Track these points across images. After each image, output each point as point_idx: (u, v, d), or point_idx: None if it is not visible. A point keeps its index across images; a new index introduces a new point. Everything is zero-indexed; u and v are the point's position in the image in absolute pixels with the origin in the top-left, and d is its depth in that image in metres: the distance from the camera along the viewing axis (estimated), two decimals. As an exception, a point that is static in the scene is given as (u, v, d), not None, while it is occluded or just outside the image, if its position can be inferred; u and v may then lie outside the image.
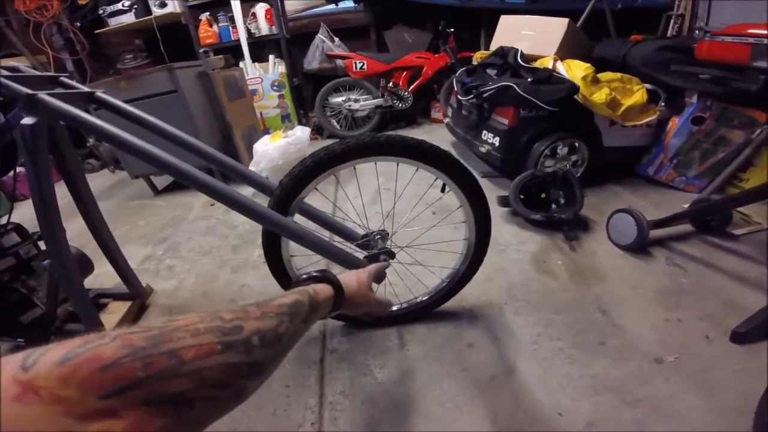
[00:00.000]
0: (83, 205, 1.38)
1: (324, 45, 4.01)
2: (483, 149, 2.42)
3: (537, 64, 2.30)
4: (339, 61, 3.80)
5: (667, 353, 1.21)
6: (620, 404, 1.07)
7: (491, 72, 2.48)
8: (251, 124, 3.44)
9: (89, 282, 1.54)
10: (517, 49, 2.36)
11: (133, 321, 1.58)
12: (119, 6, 3.72)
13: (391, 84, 3.80)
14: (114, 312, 1.56)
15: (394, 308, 1.40)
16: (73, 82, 1.24)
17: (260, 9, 3.84)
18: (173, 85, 2.55)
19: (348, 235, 1.22)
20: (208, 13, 3.92)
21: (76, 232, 1.50)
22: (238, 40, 3.86)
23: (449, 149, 1.09)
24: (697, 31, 2.87)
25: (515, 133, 2.23)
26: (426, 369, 1.23)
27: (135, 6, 3.71)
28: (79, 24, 3.85)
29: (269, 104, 4.01)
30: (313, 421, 1.11)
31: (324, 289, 0.64)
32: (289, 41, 3.98)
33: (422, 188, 1.29)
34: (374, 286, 0.98)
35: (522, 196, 2.00)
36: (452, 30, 3.73)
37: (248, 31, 3.89)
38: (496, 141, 2.32)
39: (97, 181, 3.59)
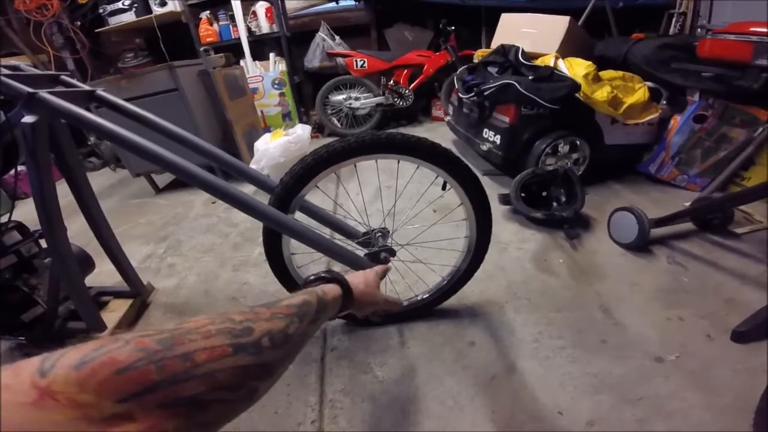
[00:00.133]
0: (84, 204, 1.38)
1: (325, 43, 4.00)
2: (484, 147, 2.42)
3: (538, 62, 2.29)
4: (340, 60, 3.79)
5: (668, 352, 1.21)
6: (621, 403, 1.07)
7: (492, 70, 2.47)
8: (252, 122, 3.44)
9: (90, 280, 1.54)
10: (518, 47, 2.35)
11: (134, 319, 1.58)
12: (119, 5, 3.73)
13: (391, 82, 3.79)
14: (115, 310, 1.56)
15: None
16: (74, 81, 1.24)
17: (261, 7, 3.83)
18: (174, 83, 2.55)
19: (349, 232, 1.22)
20: (208, 12, 3.91)
21: (77, 230, 1.50)
22: (239, 38, 3.86)
23: (450, 147, 1.09)
24: (699, 29, 2.85)
25: (516, 131, 2.22)
26: (426, 367, 1.24)
27: (135, 5, 3.71)
28: (79, 23, 3.85)
29: (270, 102, 4.01)
30: (313, 419, 1.12)
31: (332, 289, 0.64)
32: (290, 39, 3.98)
33: (423, 186, 1.29)
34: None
35: (523, 194, 2.00)
36: (453, 28, 3.72)
37: (249, 29, 3.89)
38: (497, 139, 2.32)
39: (98, 180, 3.60)
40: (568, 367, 1.19)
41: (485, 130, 2.42)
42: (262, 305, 0.47)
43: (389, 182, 2.35)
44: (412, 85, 3.83)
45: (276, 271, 1.24)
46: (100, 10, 3.80)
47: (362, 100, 3.79)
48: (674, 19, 3.14)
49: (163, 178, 3.22)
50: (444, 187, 1.19)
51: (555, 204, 1.97)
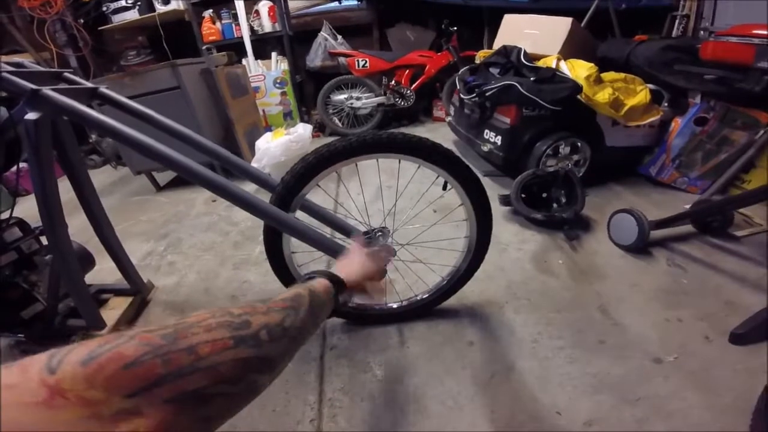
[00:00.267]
0: (85, 201, 1.38)
1: (327, 43, 4.00)
2: (485, 148, 2.42)
3: (540, 63, 2.29)
4: (341, 59, 3.79)
5: (667, 352, 1.21)
6: (620, 403, 1.07)
7: (494, 71, 2.47)
8: (253, 121, 3.45)
9: (90, 277, 1.54)
10: (520, 48, 2.36)
11: (133, 317, 1.59)
12: (123, 3, 3.74)
13: (393, 82, 3.79)
14: (115, 308, 1.56)
15: (394, 306, 1.40)
16: (77, 78, 1.25)
17: (263, 6, 3.84)
18: (176, 81, 2.56)
19: (349, 231, 1.22)
20: (211, 10, 3.92)
21: (77, 227, 1.50)
22: (241, 37, 3.86)
23: (451, 148, 1.09)
24: (701, 32, 2.86)
25: (517, 132, 2.23)
26: (426, 367, 1.24)
27: (138, 3, 3.73)
28: (82, 21, 3.87)
29: (272, 101, 4.02)
30: (312, 418, 1.12)
31: (320, 281, 0.66)
32: (292, 38, 3.98)
33: (424, 186, 1.29)
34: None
35: (523, 195, 2.00)
36: (455, 28, 3.72)
37: (251, 28, 3.89)
38: (498, 140, 2.32)
39: (99, 177, 3.60)
40: (568, 367, 1.19)
41: (486, 130, 2.42)
42: (258, 301, 0.48)
43: (390, 182, 2.35)
44: (414, 86, 3.83)
45: (276, 270, 1.24)
46: (104, 8, 3.82)
47: (364, 100, 3.79)
48: (677, 21, 3.14)
49: (164, 176, 3.22)
50: (445, 188, 1.19)
51: (555, 205, 1.97)
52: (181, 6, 3.75)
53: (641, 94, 2.12)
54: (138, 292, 1.63)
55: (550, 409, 1.07)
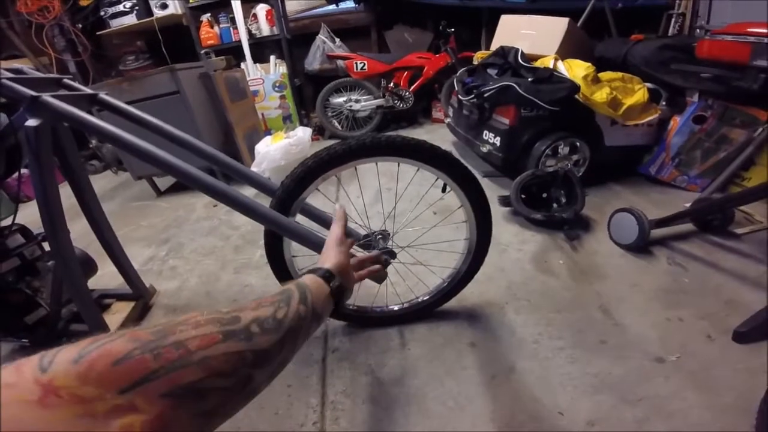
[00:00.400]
0: (87, 206, 1.39)
1: (325, 45, 4.01)
2: (484, 149, 2.42)
3: (538, 63, 2.30)
4: (340, 62, 3.80)
5: (668, 352, 1.21)
6: (621, 403, 1.07)
7: (492, 72, 2.48)
8: (253, 125, 3.45)
9: (93, 282, 1.55)
10: (517, 49, 2.36)
11: (136, 321, 1.59)
12: (120, 7, 3.75)
13: (392, 84, 3.80)
14: (117, 312, 1.57)
15: (395, 308, 1.41)
16: (77, 84, 1.25)
17: (261, 10, 3.85)
18: (175, 86, 2.56)
19: (349, 234, 1.22)
20: (209, 15, 3.93)
21: (79, 232, 1.50)
22: (240, 41, 3.88)
23: (450, 149, 1.09)
24: (698, 30, 2.86)
25: (516, 132, 2.23)
26: (427, 368, 1.24)
27: (136, 7, 3.74)
28: (80, 25, 3.88)
29: (271, 105, 4.02)
30: (315, 421, 1.12)
31: (306, 276, 0.66)
32: (290, 42, 4.00)
33: (423, 188, 1.29)
34: (374, 285, 0.99)
35: (523, 196, 2.01)
36: (453, 30, 3.73)
37: (249, 32, 3.91)
38: (497, 141, 2.32)
39: (100, 183, 3.61)
40: (568, 367, 1.19)
41: (485, 131, 2.43)
42: (249, 301, 0.49)
43: (390, 185, 2.36)
44: (412, 87, 3.84)
45: (277, 274, 1.25)
46: (102, 13, 3.83)
47: (362, 103, 3.79)
48: (673, 20, 3.15)
49: (165, 181, 3.23)
50: (444, 190, 1.19)
51: (555, 205, 1.97)
52: (179, 10, 3.77)
53: (639, 93, 2.12)
54: (140, 297, 1.63)
55: (551, 410, 1.07)
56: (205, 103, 2.84)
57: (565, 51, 2.41)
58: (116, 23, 3.86)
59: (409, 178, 1.25)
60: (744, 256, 1.61)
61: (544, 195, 2.03)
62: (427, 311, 1.42)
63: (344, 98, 3.79)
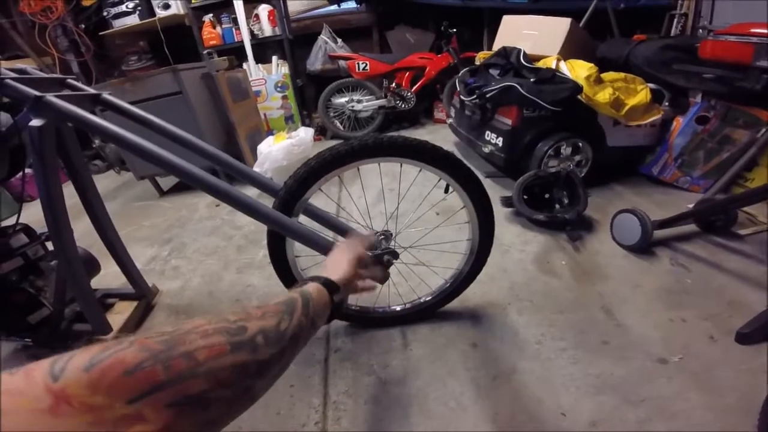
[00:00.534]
0: (90, 206, 1.39)
1: (327, 46, 4.01)
2: (486, 149, 2.42)
3: (540, 64, 2.30)
4: (342, 62, 3.80)
5: (671, 353, 1.21)
6: (623, 404, 1.07)
7: (494, 72, 2.48)
8: (255, 125, 3.46)
9: (96, 282, 1.55)
10: (519, 49, 2.36)
11: (139, 321, 1.60)
12: (123, 8, 3.76)
13: (393, 84, 3.80)
14: (120, 312, 1.57)
15: (398, 308, 1.41)
16: (80, 84, 1.25)
17: (263, 10, 3.85)
18: (178, 86, 2.57)
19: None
20: (211, 15, 3.94)
21: (82, 232, 1.51)
22: (242, 41, 3.88)
23: (452, 150, 1.10)
24: (700, 30, 2.85)
25: (518, 133, 2.23)
26: (429, 368, 1.24)
27: (139, 8, 3.74)
28: (83, 26, 3.89)
29: (273, 105, 4.03)
30: (317, 421, 1.12)
31: (310, 285, 0.66)
32: (292, 42, 4.00)
33: (425, 189, 1.29)
34: (377, 286, 0.99)
35: (525, 197, 2.01)
36: (455, 30, 3.72)
37: (251, 32, 3.91)
38: (500, 141, 2.32)
39: (103, 183, 3.61)
40: (571, 368, 1.19)
41: (487, 132, 2.43)
42: (253, 305, 0.49)
43: (392, 185, 2.36)
44: (414, 88, 3.83)
45: (280, 274, 1.25)
46: (105, 13, 3.84)
47: (364, 103, 3.79)
48: (676, 20, 3.14)
49: (167, 181, 3.24)
50: (447, 190, 1.19)
51: (557, 206, 1.97)
52: (182, 11, 3.78)
53: (642, 94, 2.12)
54: (143, 297, 1.64)
55: (554, 410, 1.07)
56: (208, 103, 2.84)
57: (568, 51, 2.40)
58: (119, 23, 3.87)
59: (411, 178, 1.25)
60: (747, 257, 1.61)
61: (547, 196, 2.03)
62: (429, 312, 1.42)
63: (346, 98, 3.79)
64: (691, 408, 1.05)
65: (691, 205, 1.90)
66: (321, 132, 4.14)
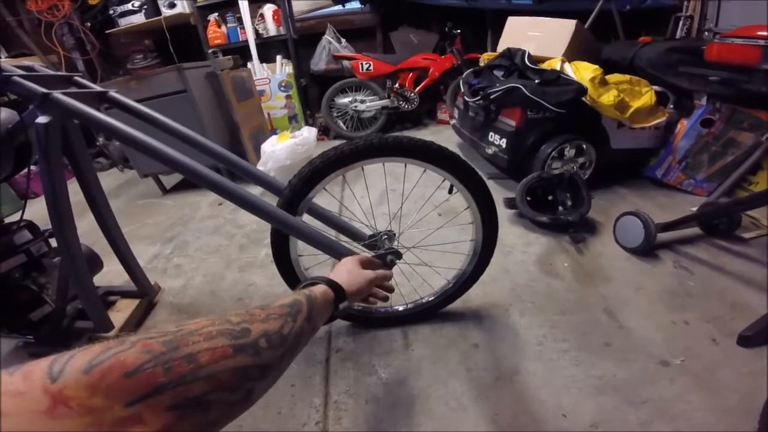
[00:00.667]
0: (94, 203, 1.39)
1: (331, 46, 4.02)
2: (489, 151, 2.42)
3: (544, 65, 2.30)
4: (345, 62, 3.80)
5: (673, 355, 1.20)
6: (625, 405, 1.07)
7: (498, 73, 2.48)
8: (259, 124, 3.46)
9: (98, 279, 1.55)
10: (524, 51, 2.36)
11: (141, 319, 1.60)
12: (129, 6, 3.77)
13: (397, 85, 3.80)
14: (122, 310, 1.57)
15: (400, 308, 1.41)
16: (87, 82, 1.26)
17: (268, 10, 3.86)
18: (182, 85, 2.57)
19: (355, 235, 1.23)
20: (216, 14, 3.95)
21: (85, 229, 1.51)
22: (246, 40, 3.89)
23: (455, 151, 1.09)
24: (706, 33, 2.85)
25: (522, 134, 2.23)
26: (430, 369, 1.24)
27: (145, 6, 3.76)
28: (89, 24, 3.90)
29: (276, 105, 4.03)
30: (317, 420, 1.12)
31: (318, 288, 0.66)
32: (297, 42, 4.00)
33: (429, 189, 1.29)
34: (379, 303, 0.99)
35: (528, 198, 2.00)
36: (458, 31, 3.73)
37: (256, 31, 3.92)
38: (503, 142, 2.32)
39: (106, 180, 3.62)
40: (572, 369, 1.19)
41: (491, 133, 2.43)
42: (257, 307, 0.49)
43: (395, 185, 2.36)
44: (418, 88, 3.84)
45: (283, 273, 1.25)
46: (111, 12, 3.85)
47: (368, 103, 3.79)
48: (681, 23, 3.13)
49: (171, 179, 3.25)
50: (450, 191, 1.19)
51: (561, 208, 1.97)
52: (187, 9, 3.79)
53: (646, 96, 2.11)
54: (145, 295, 1.64)
55: (555, 411, 1.07)
56: (212, 102, 2.85)
57: (572, 53, 2.40)
58: (125, 22, 3.88)
59: (415, 179, 1.25)
60: (750, 261, 1.60)
61: (550, 197, 2.03)
62: (431, 312, 1.42)
63: (349, 99, 3.79)
64: (692, 410, 1.04)
65: (694, 208, 1.89)
66: (324, 132, 4.15)
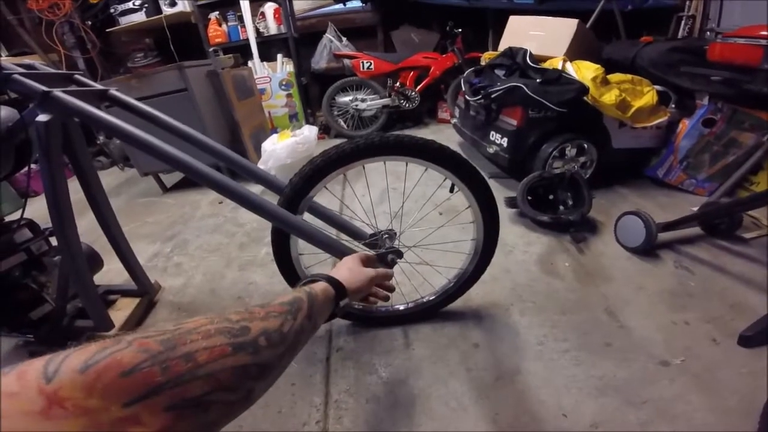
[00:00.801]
0: (95, 202, 1.39)
1: (332, 44, 4.02)
2: (491, 150, 2.42)
3: (546, 65, 2.29)
4: (346, 61, 3.80)
5: (673, 355, 1.20)
6: (625, 405, 1.07)
7: (499, 72, 2.47)
8: (260, 123, 3.46)
9: (98, 278, 1.55)
10: (526, 50, 2.36)
11: (141, 318, 1.60)
12: (130, 5, 3.77)
13: (398, 84, 3.80)
14: (122, 308, 1.57)
15: (400, 308, 1.41)
16: (88, 80, 1.26)
17: (269, 8, 3.86)
18: (183, 83, 2.57)
19: (356, 233, 1.22)
20: (217, 13, 3.95)
21: (85, 228, 1.51)
22: (247, 39, 3.88)
23: (456, 150, 1.09)
24: (708, 33, 2.84)
25: (523, 134, 2.22)
26: (431, 368, 1.24)
27: (145, 5, 3.75)
28: (90, 23, 3.90)
29: (277, 103, 4.03)
30: (318, 420, 1.12)
31: (319, 285, 0.66)
32: (297, 41, 4.00)
33: (430, 188, 1.29)
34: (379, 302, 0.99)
35: (529, 198, 2.00)
36: (460, 30, 3.72)
37: (257, 30, 3.92)
38: (504, 142, 2.32)
39: (107, 179, 3.62)
40: (573, 369, 1.19)
41: (492, 132, 2.42)
42: (257, 305, 0.48)
43: (396, 184, 2.36)
44: (419, 87, 3.83)
45: (283, 272, 1.25)
46: (111, 10, 3.85)
47: (368, 102, 3.79)
48: (683, 22, 3.13)
49: (171, 178, 3.24)
50: (452, 190, 1.19)
51: (561, 207, 1.97)
52: (188, 8, 3.78)
53: (648, 96, 2.11)
54: (145, 293, 1.64)
55: (555, 411, 1.07)
56: (213, 100, 2.85)
57: (574, 52, 2.40)
58: (125, 21, 3.88)
59: (415, 178, 1.25)
60: (751, 261, 1.60)
61: (551, 197, 2.03)
62: (432, 311, 1.42)
63: (350, 97, 3.79)
64: (692, 410, 1.04)
65: (695, 208, 1.89)
66: (325, 130, 4.15)
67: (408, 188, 1.38)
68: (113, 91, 1.23)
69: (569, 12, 2.79)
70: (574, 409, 1.07)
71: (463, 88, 2.75)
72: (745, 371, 1.13)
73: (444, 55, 3.84)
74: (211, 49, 3.81)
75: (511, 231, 1.97)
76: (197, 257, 2.05)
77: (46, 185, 1.11)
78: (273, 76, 3.94)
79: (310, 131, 2.73)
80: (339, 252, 1.06)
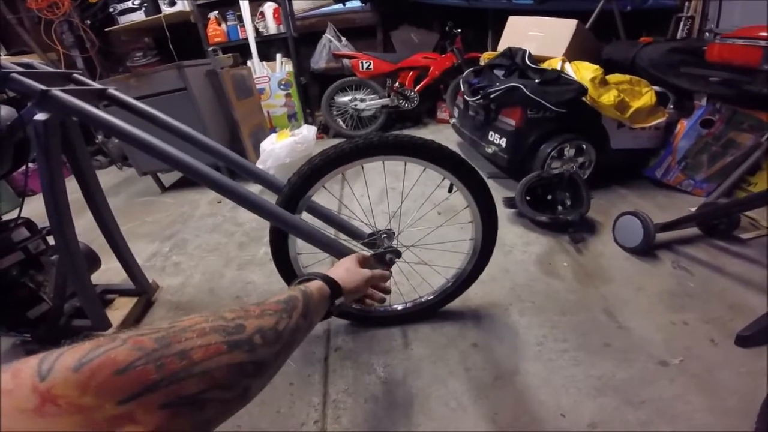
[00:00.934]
0: (93, 201, 1.39)
1: (331, 44, 4.02)
2: (489, 150, 2.42)
3: (545, 65, 2.29)
4: (346, 61, 3.80)
5: (672, 355, 1.20)
6: (624, 405, 1.07)
7: (499, 73, 2.47)
8: (259, 122, 3.46)
9: (96, 278, 1.55)
10: (525, 50, 2.36)
11: (139, 317, 1.59)
12: (129, 4, 3.76)
13: (397, 84, 3.80)
14: (120, 308, 1.57)
15: (399, 307, 1.41)
16: (86, 79, 1.25)
17: (268, 8, 3.86)
18: (182, 83, 2.57)
19: (354, 233, 1.22)
20: (216, 12, 3.94)
21: (83, 227, 1.51)
22: (246, 38, 3.88)
23: (455, 150, 1.09)
24: (707, 33, 2.85)
25: (522, 134, 2.22)
26: (430, 368, 1.24)
27: (145, 4, 3.75)
28: (89, 22, 3.90)
29: (276, 103, 4.03)
30: (316, 419, 1.12)
31: (314, 283, 0.66)
32: (297, 40, 4.00)
33: (428, 188, 1.29)
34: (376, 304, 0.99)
35: (528, 198, 2.00)
36: (459, 30, 3.72)
37: (256, 29, 3.91)
38: (503, 142, 2.32)
39: (105, 178, 3.61)
40: (572, 369, 1.19)
41: (491, 132, 2.42)
42: (252, 303, 0.48)
43: (395, 184, 2.35)
44: (418, 87, 3.83)
45: (282, 271, 1.25)
46: (111, 9, 3.84)
47: (367, 102, 3.79)
48: (682, 23, 3.13)
49: (169, 177, 3.24)
50: (450, 190, 1.19)
51: (560, 207, 1.97)
52: (187, 7, 3.78)
53: (647, 96, 2.11)
54: (143, 293, 1.64)
55: (554, 411, 1.07)
56: (212, 100, 2.85)
57: (573, 53, 2.40)
58: (125, 20, 3.87)
59: (413, 177, 1.25)
60: (749, 261, 1.60)
61: (550, 197, 2.03)
62: (430, 311, 1.41)
63: (349, 97, 3.79)
64: (691, 410, 1.04)
65: (693, 209, 1.89)
66: (324, 130, 4.15)
67: (407, 188, 1.38)
68: (112, 90, 1.23)
69: (568, 12, 2.79)
70: (573, 409, 1.07)
71: (462, 89, 2.75)
72: (744, 371, 1.14)
73: (443, 56, 3.84)
74: (210, 49, 3.80)
75: (510, 231, 1.97)
76: (196, 257, 2.04)
77: (44, 184, 1.11)
78: (272, 76, 3.94)
79: (308, 131, 2.73)
80: (337, 251, 1.05)
